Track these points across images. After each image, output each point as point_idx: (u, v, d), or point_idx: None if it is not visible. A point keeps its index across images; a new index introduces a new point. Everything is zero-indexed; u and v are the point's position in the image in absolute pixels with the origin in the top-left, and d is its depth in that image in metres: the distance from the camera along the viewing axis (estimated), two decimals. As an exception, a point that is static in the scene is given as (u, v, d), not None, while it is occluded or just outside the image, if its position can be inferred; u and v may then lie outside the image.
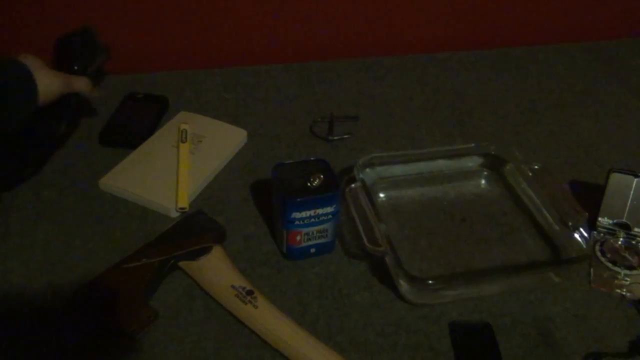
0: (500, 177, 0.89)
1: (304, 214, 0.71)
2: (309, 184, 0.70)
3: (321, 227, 0.73)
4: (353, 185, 0.79)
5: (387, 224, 0.74)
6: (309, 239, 0.74)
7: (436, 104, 1.08)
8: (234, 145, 0.94)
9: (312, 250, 0.76)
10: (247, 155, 0.94)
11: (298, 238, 0.74)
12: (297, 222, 0.72)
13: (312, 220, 0.72)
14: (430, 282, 0.69)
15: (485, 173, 0.90)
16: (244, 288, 0.68)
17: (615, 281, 0.75)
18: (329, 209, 0.72)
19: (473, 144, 0.89)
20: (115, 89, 1.04)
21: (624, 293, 0.74)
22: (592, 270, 0.77)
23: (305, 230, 0.73)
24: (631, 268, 0.77)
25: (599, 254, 0.78)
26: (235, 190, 0.88)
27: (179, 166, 0.87)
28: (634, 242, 0.80)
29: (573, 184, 0.91)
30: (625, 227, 0.80)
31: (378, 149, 0.89)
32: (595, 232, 0.81)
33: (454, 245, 0.79)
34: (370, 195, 0.77)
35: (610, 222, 0.81)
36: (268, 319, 0.66)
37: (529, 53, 1.24)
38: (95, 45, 0.97)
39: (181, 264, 0.72)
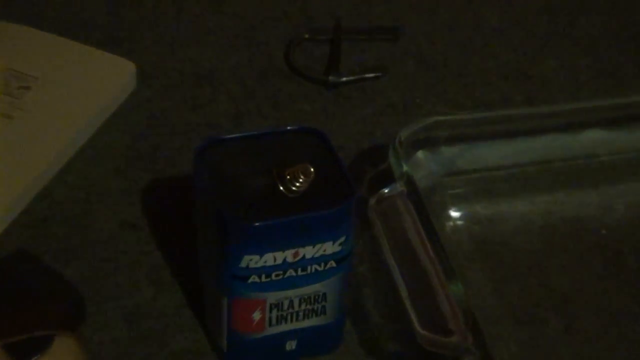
0: None
1: (268, 260, 0.45)
2: (281, 188, 0.45)
3: (311, 289, 0.47)
4: (386, 190, 0.53)
5: (469, 280, 0.49)
6: (283, 319, 0.49)
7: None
8: (106, 96, 0.66)
9: (290, 345, 0.50)
10: (137, 120, 0.64)
11: (256, 316, 0.48)
12: (252, 279, 0.46)
13: (290, 273, 0.46)
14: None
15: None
16: None
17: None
18: (328, 247, 0.45)
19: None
20: None
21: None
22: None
23: (273, 296, 0.47)
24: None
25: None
26: (109, 201, 0.59)
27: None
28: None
29: None
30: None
31: (442, 107, 0.59)
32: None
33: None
34: (428, 213, 0.50)
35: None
36: None
37: None
38: None
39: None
